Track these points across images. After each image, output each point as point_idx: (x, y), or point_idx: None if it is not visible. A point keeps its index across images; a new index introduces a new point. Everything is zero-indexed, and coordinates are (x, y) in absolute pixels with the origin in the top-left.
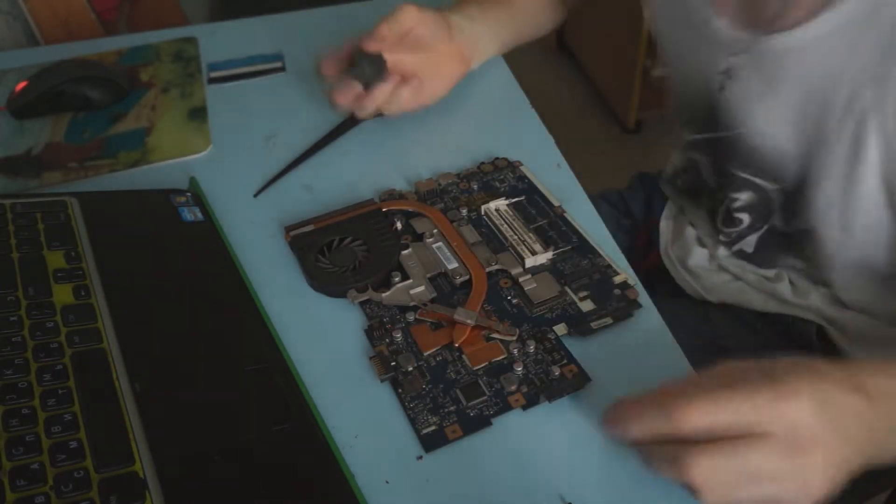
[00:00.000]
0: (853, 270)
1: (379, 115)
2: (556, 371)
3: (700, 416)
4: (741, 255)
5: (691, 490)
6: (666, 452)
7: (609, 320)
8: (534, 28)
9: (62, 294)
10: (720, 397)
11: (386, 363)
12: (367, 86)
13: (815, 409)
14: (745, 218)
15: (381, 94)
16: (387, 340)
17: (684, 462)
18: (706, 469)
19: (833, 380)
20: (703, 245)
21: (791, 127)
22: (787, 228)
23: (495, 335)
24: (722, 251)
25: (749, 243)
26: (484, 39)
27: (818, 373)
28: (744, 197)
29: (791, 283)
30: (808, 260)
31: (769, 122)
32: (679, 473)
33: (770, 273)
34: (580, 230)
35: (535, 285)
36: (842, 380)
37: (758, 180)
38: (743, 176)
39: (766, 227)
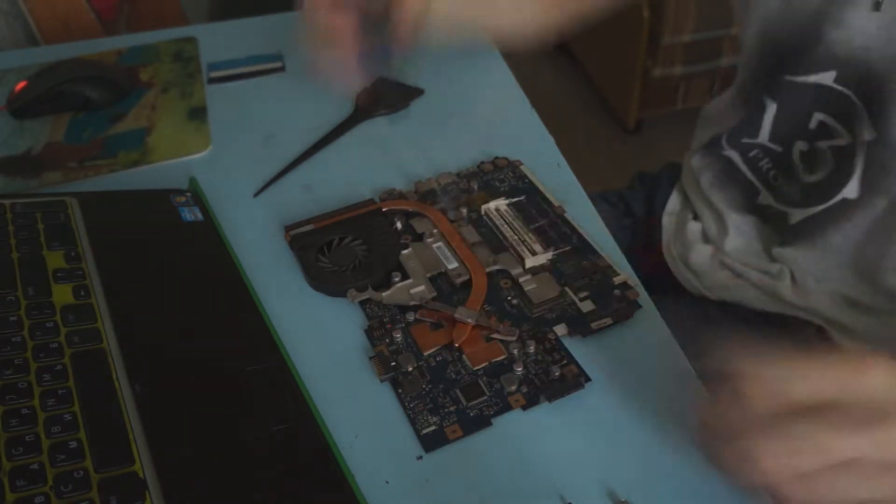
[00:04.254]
0: None
1: (380, 114)
2: (556, 371)
3: (766, 385)
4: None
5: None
6: (733, 447)
7: (609, 321)
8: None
9: (62, 294)
10: (789, 367)
11: (386, 363)
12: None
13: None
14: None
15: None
16: (387, 340)
17: (751, 448)
18: (773, 449)
19: None
20: (706, 242)
21: None
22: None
23: (495, 335)
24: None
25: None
26: None
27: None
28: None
29: (793, 280)
30: None
31: None
32: (748, 463)
33: (773, 268)
34: (580, 230)
35: (535, 286)
36: None
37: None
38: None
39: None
